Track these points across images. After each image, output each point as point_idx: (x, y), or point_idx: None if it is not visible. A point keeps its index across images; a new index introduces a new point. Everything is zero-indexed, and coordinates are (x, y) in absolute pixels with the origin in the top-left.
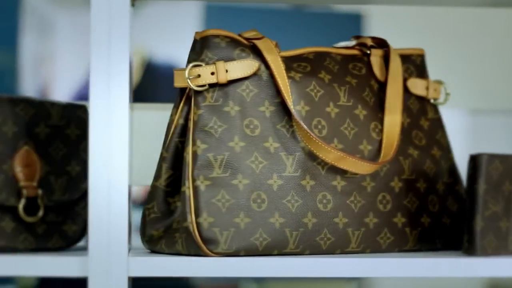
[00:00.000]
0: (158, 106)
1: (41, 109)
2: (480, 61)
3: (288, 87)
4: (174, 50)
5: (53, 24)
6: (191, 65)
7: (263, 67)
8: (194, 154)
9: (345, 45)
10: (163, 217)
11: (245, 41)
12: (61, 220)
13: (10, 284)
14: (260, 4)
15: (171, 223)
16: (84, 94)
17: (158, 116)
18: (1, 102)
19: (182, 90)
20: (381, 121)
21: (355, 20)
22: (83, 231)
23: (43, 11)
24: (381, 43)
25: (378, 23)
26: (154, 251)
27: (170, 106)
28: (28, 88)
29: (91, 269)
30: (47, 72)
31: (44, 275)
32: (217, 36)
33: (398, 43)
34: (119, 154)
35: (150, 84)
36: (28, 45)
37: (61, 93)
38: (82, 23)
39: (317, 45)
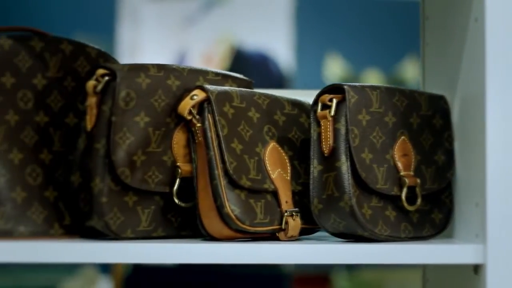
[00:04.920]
0: None
1: (412, 99)
2: None
3: None
4: (263, 38)
5: (143, 15)
6: None
7: None
8: None
9: None
10: None
11: None
12: (429, 209)
13: (105, 273)
14: None
15: None
16: None
17: None
18: (381, 93)
19: None
20: None
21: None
22: (447, 219)
23: (135, 2)
24: None
25: None
26: None
27: None
28: None
29: (489, 257)
30: (138, 59)
31: (439, 263)
32: None
33: None
34: None
35: (239, 72)
36: (123, 34)
37: None
38: (168, 13)
39: (402, 37)
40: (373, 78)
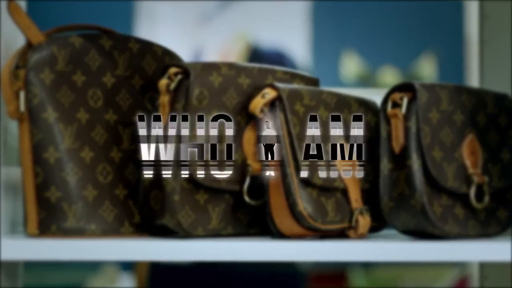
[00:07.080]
0: None
1: (478, 97)
2: None
3: None
4: (279, 35)
5: (160, 12)
6: None
7: None
8: None
9: None
10: None
11: None
12: (494, 207)
13: (129, 270)
14: None
15: None
16: None
17: None
18: (449, 91)
19: None
20: None
21: (456, 7)
22: None
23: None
24: None
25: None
26: None
27: None
28: None
29: None
30: None
31: (502, 260)
32: None
33: None
34: None
35: None
36: (140, 32)
37: None
38: (185, 11)
39: (418, 33)
40: (389, 75)
